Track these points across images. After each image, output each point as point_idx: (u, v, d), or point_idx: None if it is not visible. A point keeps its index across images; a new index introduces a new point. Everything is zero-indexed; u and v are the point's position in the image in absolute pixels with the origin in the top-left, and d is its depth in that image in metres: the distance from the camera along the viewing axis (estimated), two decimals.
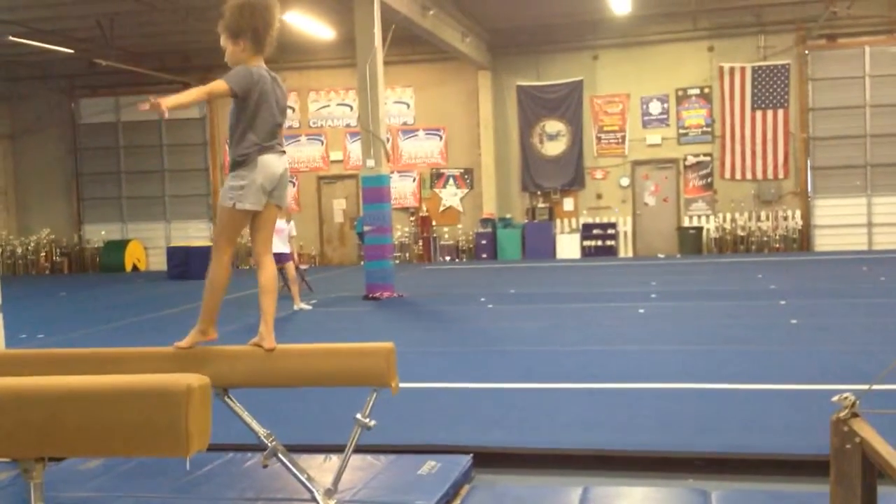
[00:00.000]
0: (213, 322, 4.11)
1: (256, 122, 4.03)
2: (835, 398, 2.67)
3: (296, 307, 12.36)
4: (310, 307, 12.54)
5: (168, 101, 3.73)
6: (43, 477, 2.40)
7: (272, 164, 4.04)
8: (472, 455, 5.21)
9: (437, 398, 6.73)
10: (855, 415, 2.62)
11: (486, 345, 9.14)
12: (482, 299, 12.85)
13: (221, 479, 4.86)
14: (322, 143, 22.56)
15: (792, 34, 19.66)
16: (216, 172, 22.72)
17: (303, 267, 15.67)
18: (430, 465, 5.07)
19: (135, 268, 22.66)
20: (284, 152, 4.19)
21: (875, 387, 5.90)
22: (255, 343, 3.96)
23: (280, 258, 12.02)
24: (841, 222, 19.57)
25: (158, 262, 22.30)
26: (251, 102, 4.03)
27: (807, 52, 19.66)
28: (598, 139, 20.91)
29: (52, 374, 2.86)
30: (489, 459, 5.29)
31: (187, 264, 18.89)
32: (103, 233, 23.34)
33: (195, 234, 22.79)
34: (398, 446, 5.40)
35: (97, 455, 2.82)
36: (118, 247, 22.69)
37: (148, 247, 23.30)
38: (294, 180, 22.53)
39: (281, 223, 12.16)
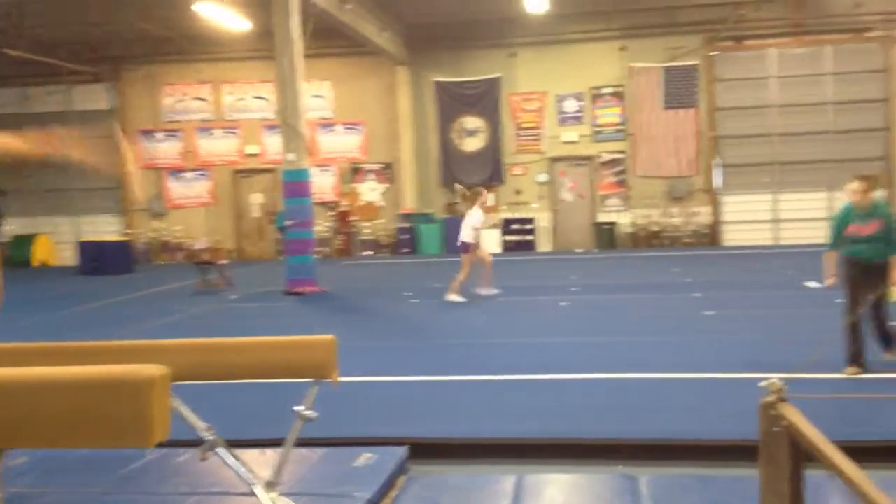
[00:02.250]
0: None
1: None
2: (762, 384, 2.83)
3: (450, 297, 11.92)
4: (463, 300, 11.90)
5: None
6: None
7: None
8: (407, 446, 5.28)
9: (370, 391, 6.78)
10: (782, 400, 2.77)
11: (414, 338, 9.23)
12: (406, 293, 12.91)
13: (156, 473, 4.82)
14: (238, 137, 22.25)
15: (701, 36, 20.25)
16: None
17: (221, 262, 15.46)
18: (366, 457, 5.12)
19: (43, 263, 21.97)
20: None
21: (797, 375, 6.19)
22: None
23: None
24: (748, 218, 20.29)
25: (68, 258, 21.68)
26: None
27: (715, 53, 20.28)
28: (517, 136, 21.18)
29: None
30: (425, 450, 5.37)
31: (100, 259, 18.43)
32: (9, 227, 22.54)
33: (105, 228, 22.24)
34: (333, 439, 5.43)
35: (60, 447, 2.78)
36: (25, 241, 21.96)
37: (57, 241, 22.62)
38: (206, 173, 22.22)
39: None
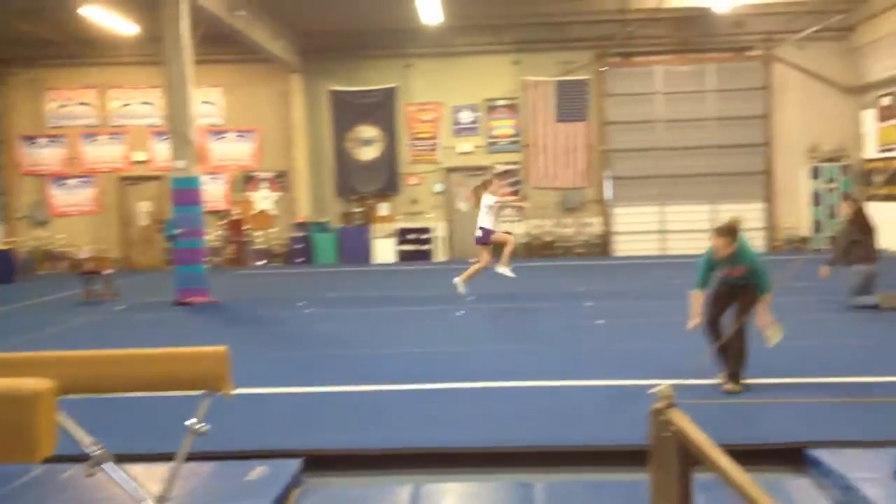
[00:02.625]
0: None
1: None
2: (652, 390, 2.90)
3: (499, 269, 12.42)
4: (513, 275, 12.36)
5: None
6: None
7: None
8: (301, 458, 5.21)
9: (263, 403, 6.66)
10: (671, 405, 2.85)
11: (310, 349, 9.11)
12: (300, 304, 12.76)
13: (41, 490, 4.62)
14: (124, 143, 21.59)
15: (591, 51, 20.75)
16: (9, 172, 21.31)
17: (107, 272, 14.96)
18: (258, 470, 5.04)
19: None
20: None
21: (685, 381, 6.37)
22: None
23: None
24: (637, 229, 20.85)
25: None
26: None
27: (604, 68, 20.82)
28: (412, 146, 21.22)
29: None
30: (320, 462, 5.31)
31: None
32: None
33: None
34: (225, 453, 5.32)
35: None
36: None
37: None
38: (91, 180, 21.50)
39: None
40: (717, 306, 6.70)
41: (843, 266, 10.75)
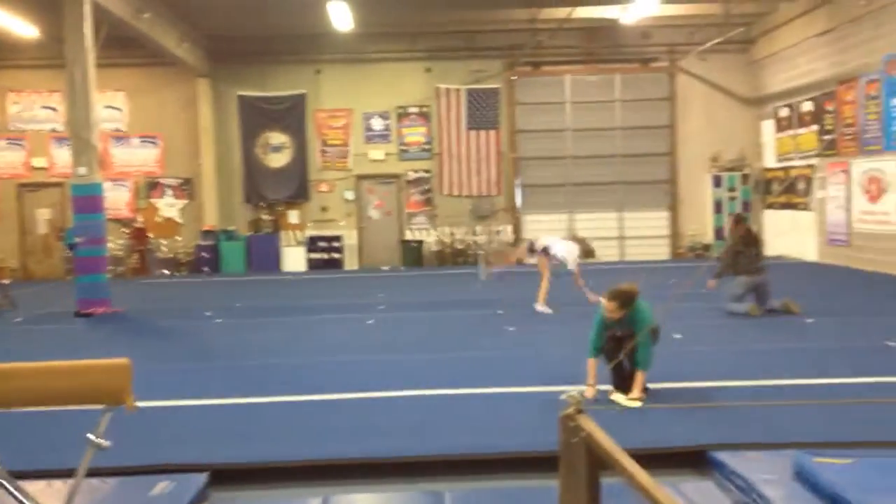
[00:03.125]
0: None
1: None
2: (562, 396, 2.91)
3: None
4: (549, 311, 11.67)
5: None
6: None
7: None
8: (207, 473, 5.09)
9: (167, 416, 6.48)
10: (580, 411, 2.87)
11: (217, 360, 8.92)
12: (208, 313, 12.49)
13: None
14: (23, 149, 20.82)
15: (501, 60, 20.96)
16: None
17: (4, 281, 14.37)
18: (162, 485, 4.90)
19: None
20: None
21: (596, 388, 6.43)
22: None
23: None
24: None
25: None
26: None
27: (514, 77, 21.05)
28: (323, 152, 21.05)
29: None
30: (226, 476, 5.19)
31: None
32: None
33: None
34: (128, 468, 5.16)
35: None
36: None
37: None
38: None
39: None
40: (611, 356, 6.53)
41: (731, 277, 11.14)
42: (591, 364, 6.56)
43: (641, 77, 21.13)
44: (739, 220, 11.70)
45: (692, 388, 6.98)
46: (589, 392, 6.38)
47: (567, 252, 11.92)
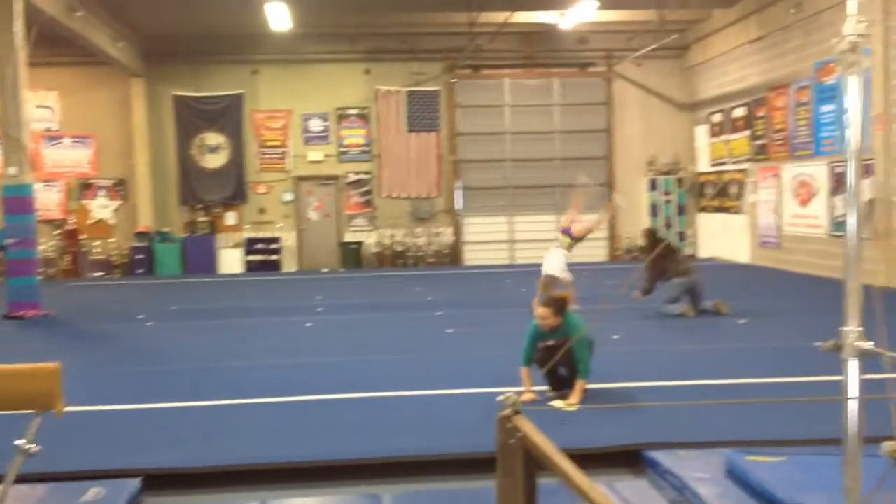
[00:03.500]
0: None
1: None
2: (499, 398, 2.92)
3: None
4: None
5: None
6: None
7: None
8: (140, 478, 4.99)
9: (99, 421, 6.34)
10: (517, 413, 2.88)
11: (150, 364, 8.75)
12: (141, 316, 12.25)
13: None
14: None
15: (441, 63, 21.01)
16: None
17: None
18: (94, 491, 4.81)
19: None
20: None
21: (534, 389, 6.47)
22: None
23: None
24: (487, 238, 21.22)
25: None
26: None
27: (454, 80, 21.10)
28: (261, 154, 20.83)
29: None
30: (160, 481, 5.10)
31: None
32: None
33: None
34: (59, 474, 5.05)
35: None
36: None
37: None
38: None
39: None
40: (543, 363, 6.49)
41: (663, 282, 11.32)
42: (525, 372, 6.61)
43: (579, 81, 21.37)
44: (651, 234, 11.97)
45: (628, 388, 7.07)
46: (526, 397, 6.37)
47: (555, 265, 11.59)
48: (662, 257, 11.14)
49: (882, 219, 13.73)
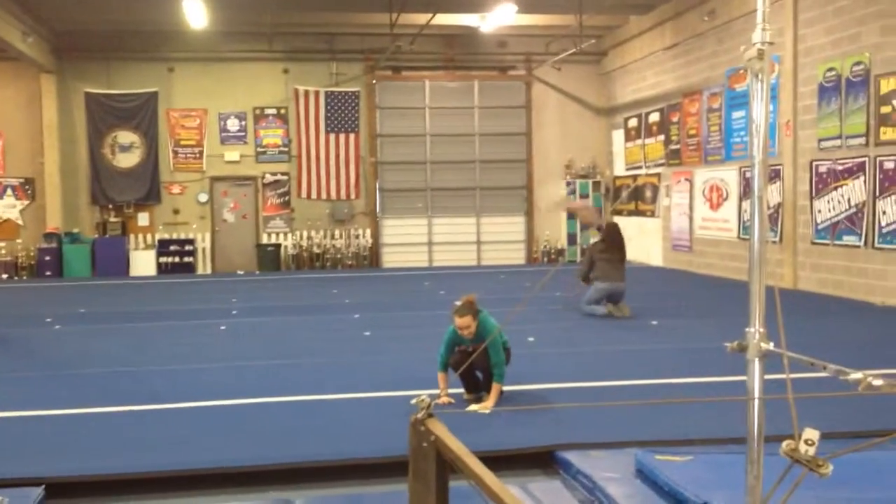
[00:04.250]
0: None
1: None
2: (413, 401, 2.90)
3: None
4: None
5: None
6: None
7: None
8: (43, 486, 4.82)
9: (2, 428, 6.10)
10: (430, 415, 2.86)
11: (56, 368, 8.46)
12: (48, 320, 11.86)
13: None
14: None
15: (361, 64, 20.91)
16: None
17: None
18: None
19: None
20: None
21: (452, 390, 6.45)
22: None
23: None
24: (405, 241, 21.19)
25: None
26: None
27: (374, 81, 21.03)
28: (175, 153, 20.40)
29: None
30: (63, 489, 4.93)
31: None
32: None
33: None
34: None
35: None
36: None
37: None
38: None
39: None
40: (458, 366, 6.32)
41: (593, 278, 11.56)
42: (442, 377, 6.58)
43: (499, 85, 21.52)
44: (615, 227, 12.02)
45: (541, 389, 7.13)
46: (442, 400, 6.36)
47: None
48: (609, 245, 11.36)
49: (788, 223, 14.18)
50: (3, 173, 19.94)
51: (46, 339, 10.50)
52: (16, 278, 19.37)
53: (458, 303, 6.53)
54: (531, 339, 9.33)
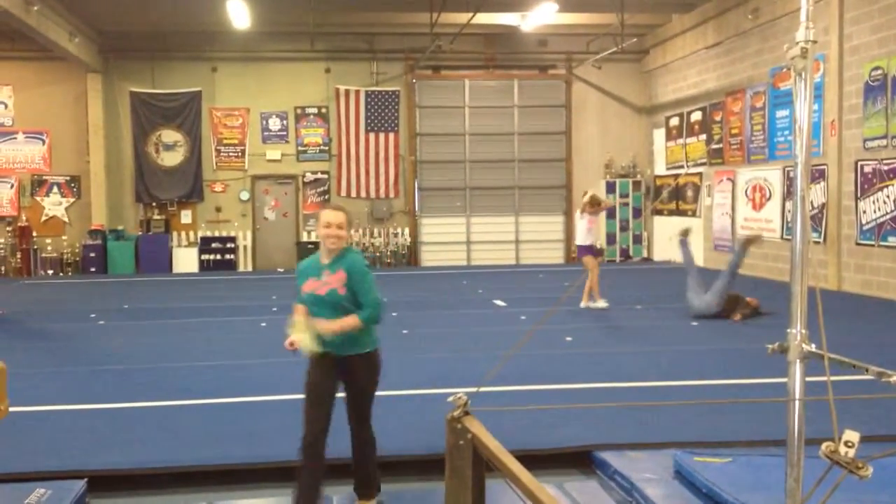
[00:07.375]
0: None
1: None
2: (450, 398, 2.91)
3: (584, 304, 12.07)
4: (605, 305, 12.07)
5: None
6: None
7: None
8: (86, 479, 4.91)
9: (45, 422, 6.23)
10: (467, 413, 2.88)
11: (100, 363, 8.61)
12: (92, 315, 12.06)
13: None
14: None
15: (401, 63, 20.98)
16: None
17: None
18: (39, 492, 4.72)
19: None
20: None
21: (483, 389, 6.46)
22: None
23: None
24: (444, 240, 21.22)
25: None
26: None
27: (414, 80, 21.09)
28: (218, 152, 20.63)
29: None
30: (106, 483, 5.02)
31: None
32: None
33: None
34: (3, 475, 4.97)
35: None
36: None
37: None
38: None
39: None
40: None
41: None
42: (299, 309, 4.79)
43: (539, 84, 21.46)
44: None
45: (578, 389, 7.10)
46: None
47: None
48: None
49: (832, 224, 13.97)
50: (50, 171, 20.31)
51: (90, 334, 10.68)
52: (61, 274, 19.73)
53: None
54: (569, 338, 9.30)
